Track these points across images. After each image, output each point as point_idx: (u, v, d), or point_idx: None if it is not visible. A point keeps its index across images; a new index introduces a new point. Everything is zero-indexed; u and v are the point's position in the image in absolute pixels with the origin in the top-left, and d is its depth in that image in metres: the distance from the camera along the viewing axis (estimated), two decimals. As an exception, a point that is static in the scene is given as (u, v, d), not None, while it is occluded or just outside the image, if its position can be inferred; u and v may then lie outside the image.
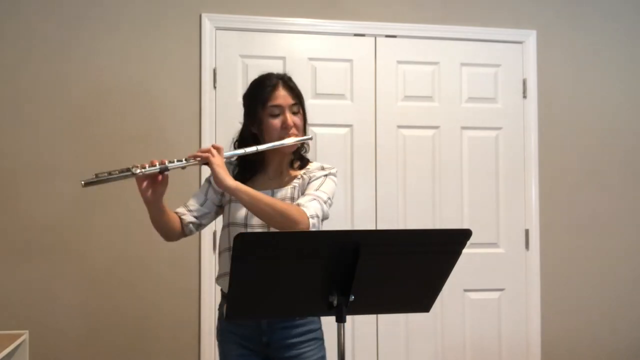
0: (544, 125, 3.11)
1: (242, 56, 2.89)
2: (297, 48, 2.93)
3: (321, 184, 1.77)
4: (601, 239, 3.15)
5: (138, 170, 1.59)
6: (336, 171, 1.86)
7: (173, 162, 1.64)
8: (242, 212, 1.76)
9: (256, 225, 1.74)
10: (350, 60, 2.98)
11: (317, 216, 1.68)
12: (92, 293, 2.72)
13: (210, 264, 2.80)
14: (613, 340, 3.14)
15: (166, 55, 2.82)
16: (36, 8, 2.73)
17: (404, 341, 2.96)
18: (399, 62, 3.02)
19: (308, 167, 1.86)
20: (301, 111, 1.82)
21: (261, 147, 1.76)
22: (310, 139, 1.85)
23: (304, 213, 1.65)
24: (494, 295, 3.05)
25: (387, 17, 3.00)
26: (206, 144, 2.80)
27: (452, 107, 3.05)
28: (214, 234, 2.76)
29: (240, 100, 2.83)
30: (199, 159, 1.66)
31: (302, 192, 1.78)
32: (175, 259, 2.75)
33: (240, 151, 1.78)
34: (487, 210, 3.05)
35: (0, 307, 2.66)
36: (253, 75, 2.80)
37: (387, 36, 3.01)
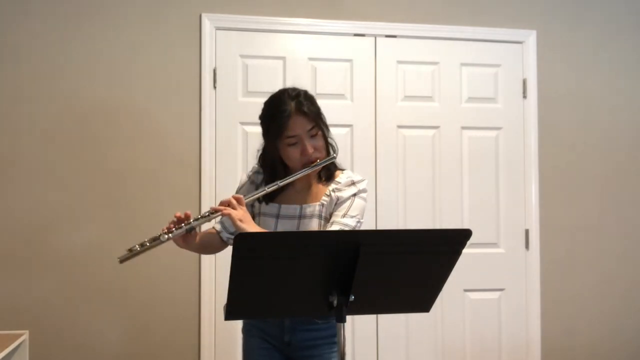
0: (544, 125, 3.11)
1: (242, 56, 2.89)
2: (297, 48, 2.93)
3: (349, 207, 1.75)
4: (601, 239, 3.15)
5: (166, 237, 1.67)
6: (366, 184, 1.83)
7: (198, 219, 1.70)
8: (272, 225, 1.78)
9: None
10: (350, 60, 2.98)
11: None
12: (91, 293, 2.72)
13: (210, 264, 2.80)
14: (613, 340, 3.14)
15: (166, 55, 2.82)
16: (35, 8, 2.73)
17: (404, 341, 2.96)
18: (399, 62, 3.02)
19: (338, 179, 1.81)
20: (320, 132, 1.76)
21: (282, 182, 1.74)
22: (334, 158, 1.79)
23: None
24: (494, 295, 3.05)
25: (387, 17, 3.00)
26: (206, 144, 2.81)
27: (452, 107, 3.05)
28: (214, 234, 2.76)
29: (240, 100, 2.88)
30: (219, 213, 1.68)
31: (330, 213, 1.76)
32: (175, 259, 2.75)
33: (262, 192, 1.75)
34: (487, 210, 3.05)
35: (0, 307, 2.66)
36: (253, 75, 2.88)
37: (387, 36, 3.01)
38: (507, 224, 3.07)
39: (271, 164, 1.80)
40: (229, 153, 2.84)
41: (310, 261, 1.33)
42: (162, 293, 2.77)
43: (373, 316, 2.92)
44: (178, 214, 1.70)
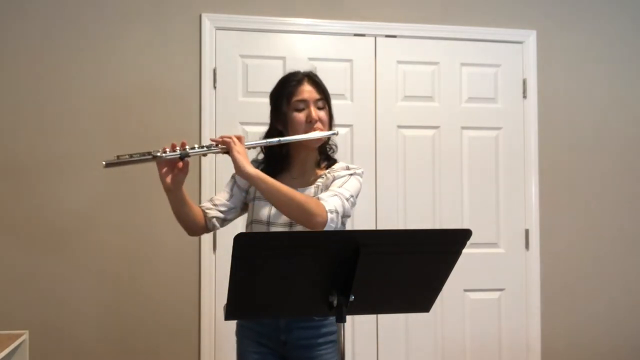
0: (544, 125, 3.11)
1: (242, 56, 2.89)
2: (297, 48, 2.93)
3: (344, 182, 1.74)
4: (601, 239, 3.15)
5: (159, 154, 1.61)
6: (362, 172, 1.83)
7: (194, 148, 1.65)
8: (266, 210, 1.75)
9: (279, 224, 1.73)
10: (350, 60, 2.98)
11: (337, 212, 1.64)
12: (92, 293, 2.72)
13: (210, 264, 2.80)
14: (613, 340, 3.14)
15: (166, 55, 2.82)
16: (39, 9, 2.73)
17: (404, 341, 2.96)
18: (399, 62, 3.01)
19: (333, 167, 1.82)
20: (327, 107, 1.82)
21: (284, 139, 1.74)
22: (336, 134, 1.82)
23: (323, 207, 1.62)
24: (494, 295, 3.05)
25: (387, 17, 3.00)
26: (206, 144, 2.80)
27: (452, 107, 3.05)
28: (214, 233, 2.76)
29: (240, 100, 2.88)
30: (220, 145, 1.66)
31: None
32: (175, 259, 2.75)
33: (263, 142, 1.76)
34: (487, 210, 3.05)
35: (0, 307, 2.66)
36: (253, 75, 2.88)
37: (387, 36, 3.01)
38: (507, 224, 3.07)
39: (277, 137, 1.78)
40: (229, 153, 2.84)
41: (310, 261, 1.33)
42: (162, 293, 2.77)
43: (373, 316, 2.91)
44: (174, 142, 1.65)
